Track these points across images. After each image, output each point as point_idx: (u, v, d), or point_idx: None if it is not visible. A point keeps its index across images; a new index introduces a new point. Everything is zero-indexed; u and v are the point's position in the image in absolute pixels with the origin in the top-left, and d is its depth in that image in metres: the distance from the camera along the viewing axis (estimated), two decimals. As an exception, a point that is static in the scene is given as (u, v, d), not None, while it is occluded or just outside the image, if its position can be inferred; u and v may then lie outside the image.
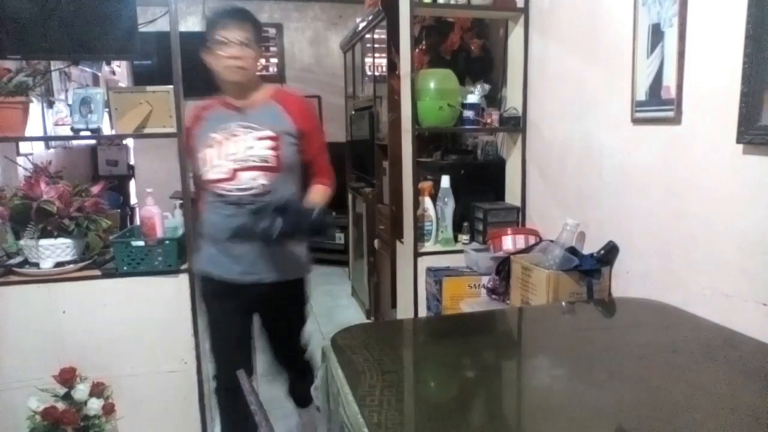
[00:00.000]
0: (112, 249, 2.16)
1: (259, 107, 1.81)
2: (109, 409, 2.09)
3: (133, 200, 5.12)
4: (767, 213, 1.35)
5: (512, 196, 2.63)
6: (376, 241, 3.11)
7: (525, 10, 2.45)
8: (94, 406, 2.04)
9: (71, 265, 2.10)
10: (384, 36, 2.59)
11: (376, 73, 3.08)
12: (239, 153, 1.76)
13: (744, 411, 1.00)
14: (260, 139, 1.77)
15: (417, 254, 2.44)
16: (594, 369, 1.21)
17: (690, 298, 1.56)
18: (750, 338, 1.28)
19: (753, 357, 1.22)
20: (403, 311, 2.56)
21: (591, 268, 1.88)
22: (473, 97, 2.50)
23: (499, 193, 2.70)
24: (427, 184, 2.53)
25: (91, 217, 2.12)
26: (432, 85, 2.43)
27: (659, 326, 1.45)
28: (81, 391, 2.04)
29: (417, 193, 2.47)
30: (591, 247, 2.01)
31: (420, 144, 2.57)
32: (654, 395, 1.06)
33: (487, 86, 2.57)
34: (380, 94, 2.88)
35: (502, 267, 2.19)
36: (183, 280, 2.17)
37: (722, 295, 1.47)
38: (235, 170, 1.77)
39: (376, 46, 3.06)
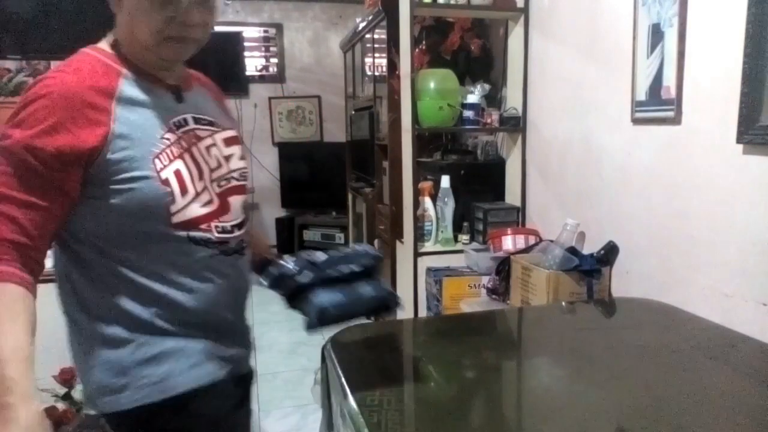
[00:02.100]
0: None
1: (193, 88, 1.11)
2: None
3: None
4: (767, 213, 1.35)
5: (512, 196, 2.63)
6: (376, 241, 3.11)
7: (525, 10, 2.45)
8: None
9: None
10: (384, 36, 2.58)
11: (376, 73, 3.09)
12: (221, 168, 1.07)
13: (744, 411, 1.00)
14: (227, 142, 1.10)
15: (417, 254, 2.44)
16: (594, 369, 1.21)
17: (690, 298, 1.56)
18: (750, 338, 1.29)
19: (753, 357, 1.22)
20: (403, 311, 2.56)
21: (591, 268, 1.88)
22: (473, 97, 2.50)
23: (499, 193, 2.70)
24: (427, 184, 2.53)
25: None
26: (432, 85, 2.43)
27: (659, 326, 1.45)
28: (81, 391, 2.04)
29: (417, 193, 2.47)
30: (591, 247, 2.01)
31: (420, 144, 2.57)
32: (654, 395, 1.06)
33: (487, 86, 2.57)
34: (380, 94, 2.88)
35: (502, 267, 2.19)
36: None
37: (722, 295, 1.47)
38: (222, 196, 1.05)
39: (376, 46, 3.06)
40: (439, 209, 2.51)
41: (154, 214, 0.95)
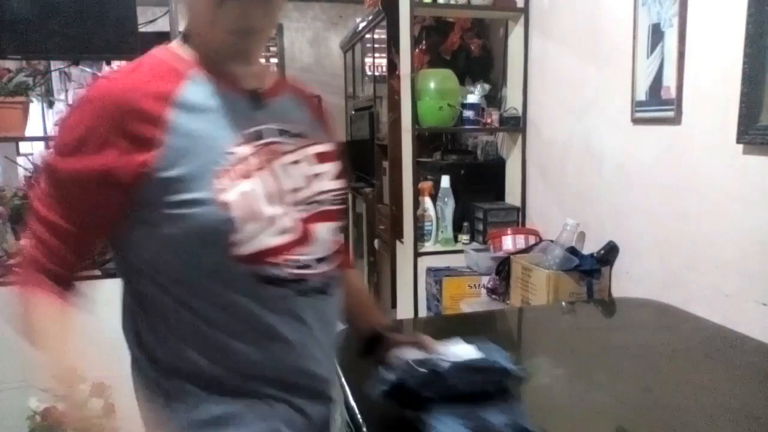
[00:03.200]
0: (112, 249, 2.16)
1: (280, 96, 0.91)
2: (109, 410, 2.08)
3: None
4: (767, 212, 1.36)
5: (512, 196, 2.63)
6: (376, 241, 3.11)
7: (525, 10, 2.45)
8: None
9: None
10: (384, 36, 2.59)
11: (376, 73, 3.09)
12: (305, 188, 0.87)
13: (744, 411, 1.00)
14: (319, 158, 0.90)
15: (417, 254, 2.44)
16: (594, 369, 1.21)
17: (690, 298, 1.56)
18: (750, 338, 1.28)
19: (753, 357, 1.22)
20: (403, 311, 2.56)
21: (591, 268, 1.88)
22: (473, 97, 2.50)
23: (499, 193, 2.70)
24: (427, 184, 2.53)
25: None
26: (432, 85, 2.43)
27: (659, 326, 1.45)
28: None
29: (417, 193, 2.47)
30: (591, 247, 2.01)
31: (420, 144, 2.57)
32: (654, 395, 1.06)
33: (487, 86, 2.57)
34: (380, 94, 2.88)
35: (502, 267, 2.19)
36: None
37: (722, 295, 1.47)
38: (305, 222, 0.85)
39: (376, 46, 3.07)
40: (439, 209, 2.51)
41: (212, 245, 0.77)
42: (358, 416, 0.96)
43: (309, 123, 0.92)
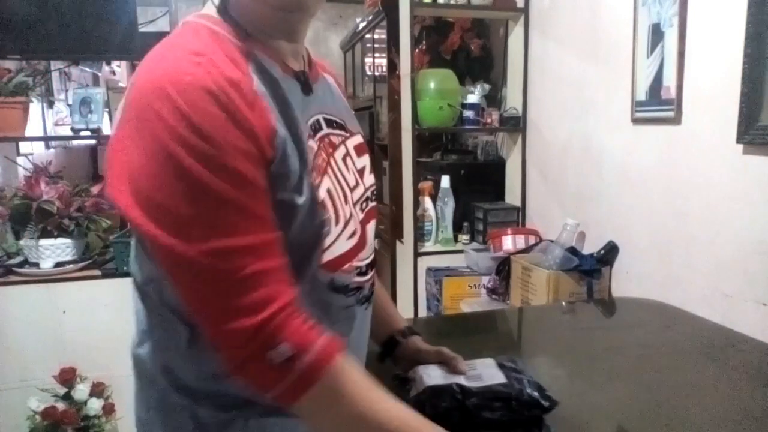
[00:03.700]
0: (112, 249, 2.16)
1: (320, 79, 0.81)
2: (109, 409, 2.08)
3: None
4: (767, 212, 1.36)
5: (512, 196, 2.63)
6: (376, 241, 3.11)
7: (525, 10, 2.45)
8: (94, 406, 2.04)
9: (71, 265, 2.10)
10: (384, 36, 2.58)
11: (376, 73, 3.09)
12: (359, 186, 0.79)
13: (744, 411, 1.00)
14: (359, 151, 0.82)
15: (417, 254, 2.44)
16: (594, 369, 1.21)
17: (690, 298, 1.56)
18: (750, 338, 1.28)
19: (753, 357, 1.22)
20: (403, 311, 2.56)
21: (591, 268, 1.88)
22: (473, 97, 2.50)
23: (499, 193, 2.70)
24: (427, 184, 2.53)
25: (91, 217, 2.11)
26: (432, 85, 2.43)
27: (659, 326, 1.45)
28: (81, 391, 2.04)
29: (417, 193, 2.47)
30: (591, 247, 2.01)
31: (420, 144, 2.57)
32: (654, 395, 1.06)
33: (487, 86, 2.57)
34: (380, 94, 2.88)
35: (502, 267, 2.19)
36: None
37: (722, 295, 1.47)
38: (362, 224, 0.78)
39: (376, 46, 3.06)
40: (439, 209, 2.51)
41: (308, 253, 0.66)
42: None
43: (344, 108, 0.84)
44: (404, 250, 2.51)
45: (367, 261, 0.78)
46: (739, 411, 1.00)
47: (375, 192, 0.84)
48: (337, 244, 0.69)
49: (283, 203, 0.63)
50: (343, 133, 0.78)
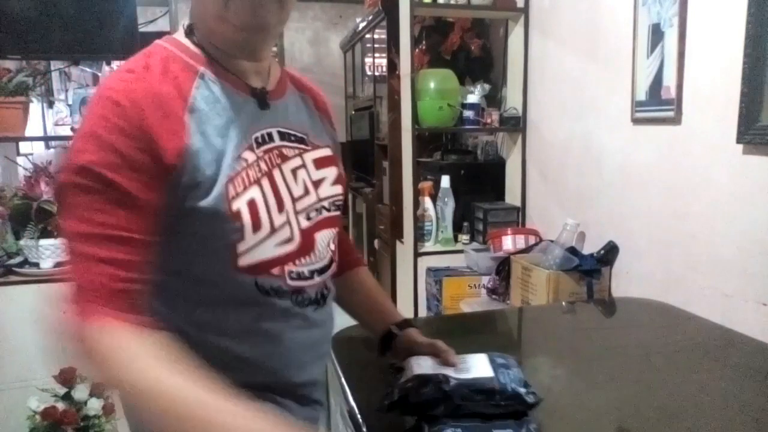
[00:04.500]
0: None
1: (286, 95, 0.88)
2: (109, 410, 2.08)
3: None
4: (767, 212, 1.36)
5: (512, 196, 2.63)
6: (376, 241, 3.11)
7: (525, 10, 2.45)
8: (94, 406, 2.04)
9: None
10: (384, 36, 2.58)
11: (376, 73, 3.09)
12: (308, 196, 0.84)
13: (744, 411, 1.00)
14: (319, 164, 0.87)
15: (417, 254, 2.44)
16: (594, 369, 1.21)
17: (690, 298, 1.56)
18: (750, 338, 1.28)
19: (753, 357, 1.22)
20: (403, 311, 2.56)
21: (591, 268, 1.88)
22: (473, 97, 2.50)
23: (499, 193, 2.70)
24: (427, 184, 2.53)
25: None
26: (432, 85, 2.43)
27: (659, 326, 1.45)
28: (81, 391, 2.04)
29: (417, 193, 2.47)
30: (591, 247, 2.01)
31: (420, 144, 2.57)
32: (654, 395, 1.06)
33: (487, 86, 2.57)
34: (380, 94, 2.89)
35: (502, 267, 2.19)
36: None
37: (722, 295, 1.48)
38: (308, 232, 0.83)
39: (376, 46, 3.07)
40: (439, 209, 2.51)
41: (217, 255, 0.74)
42: (362, 425, 0.96)
43: (311, 124, 0.90)
44: (404, 250, 2.51)
45: (315, 266, 0.83)
46: (738, 410, 1.00)
47: (338, 202, 0.89)
48: (258, 249, 0.76)
49: (193, 210, 0.71)
50: (301, 146, 0.85)
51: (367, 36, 3.18)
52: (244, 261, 0.75)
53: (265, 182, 0.77)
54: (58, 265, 2.07)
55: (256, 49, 0.80)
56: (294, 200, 0.81)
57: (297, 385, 0.85)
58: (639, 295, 1.72)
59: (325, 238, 0.86)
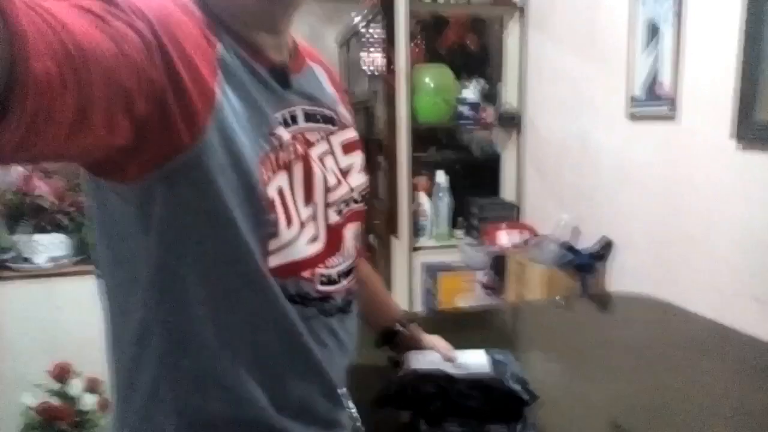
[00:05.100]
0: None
1: (305, 69, 0.74)
2: (103, 405, 2.08)
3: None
4: (762, 209, 1.36)
5: (508, 192, 2.63)
6: (370, 236, 3.11)
7: (522, 7, 2.45)
8: (89, 401, 2.04)
9: (65, 260, 2.09)
10: (380, 32, 2.58)
11: (372, 69, 3.08)
12: (339, 187, 0.72)
13: (737, 406, 1.01)
14: (347, 148, 0.76)
15: (412, 250, 2.45)
16: (588, 364, 1.21)
17: (684, 294, 1.56)
18: (743, 334, 1.29)
19: (747, 352, 1.23)
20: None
21: (585, 263, 1.89)
22: (469, 93, 2.50)
23: (494, 188, 2.70)
24: (422, 180, 2.53)
25: (86, 213, 2.11)
26: (428, 80, 2.43)
27: (653, 321, 1.46)
28: (76, 386, 2.03)
29: (412, 189, 2.47)
30: (586, 243, 2.01)
31: (416, 140, 2.57)
32: (647, 389, 1.06)
33: (483, 82, 2.58)
34: (376, 90, 2.88)
35: (497, 263, 2.20)
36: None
37: (716, 291, 1.48)
38: (335, 229, 0.71)
39: (372, 41, 3.06)
40: (434, 205, 2.51)
41: (246, 250, 0.60)
42: (356, 419, 0.96)
43: (333, 100, 0.77)
44: (400, 245, 2.51)
45: (340, 268, 0.71)
46: (732, 406, 1.01)
47: (365, 193, 0.78)
48: (289, 247, 0.64)
49: (218, 192, 0.57)
50: (328, 126, 0.73)
51: (364, 31, 3.17)
52: (276, 260, 0.62)
53: (297, 168, 0.65)
54: (52, 260, 2.06)
55: (276, 21, 0.67)
56: (326, 191, 0.69)
57: (319, 410, 0.72)
58: (633, 290, 1.73)
59: (352, 235, 0.75)
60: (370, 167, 0.83)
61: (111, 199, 0.60)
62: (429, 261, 2.45)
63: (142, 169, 0.55)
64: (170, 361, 0.63)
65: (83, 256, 2.14)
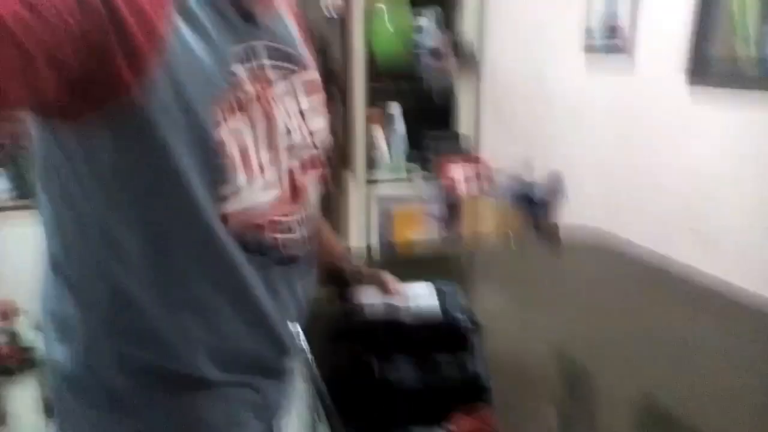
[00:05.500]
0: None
1: (273, 12, 0.69)
2: (53, 342, 2.04)
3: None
4: (706, 144, 1.41)
5: (463, 126, 2.63)
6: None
7: (480, -69, 2.36)
8: (37, 339, 2.00)
9: (4, 196, 1.99)
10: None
11: (331, 11, 2.94)
12: (299, 131, 0.69)
13: (676, 335, 1.07)
14: (309, 89, 0.72)
15: (367, 183, 2.44)
16: (536, 296, 1.25)
17: (629, 226, 1.63)
18: (684, 265, 1.36)
19: (686, 285, 1.29)
20: (354, 241, 2.58)
21: (536, 198, 1.93)
22: (425, 25, 2.43)
23: (450, 122, 2.68)
24: (377, 113, 2.49)
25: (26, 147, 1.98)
26: (383, 12, 2.34)
27: (599, 254, 1.51)
28: (22, 324, 1.98)
29: (368, 122, 2.43)
30: (538, 178, 2.05)
31: (371, 72, 2.50)
32: (591, 320, 1.11)
33: (439, 14, 2.50)
34: (332, 20, 2.76)
35: (451, 197, 2.22)
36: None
37: (659, 222, 1.55)
38: (293, 175, 0.68)
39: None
40: (389, 138, 2.49)
41: (193, 197, 0.57)
42: (307, 352, 0.97)
43: (298, 43, 0.72)
44: (353, 179, 2.50)
45: (298, 217, 0.69)
46: (670, 334, 1.07)
47: (324, 141, 0.74)
48: (245, 194, 0.60)
49: (164, 137, 0.53)
50: (290, 66, 0.68)
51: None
52: (229, 207, 0.59)
53: (255, 109, 0.61)
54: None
55: None
56: (286, 134, 0.66)
57: (263, 362, 0.72)
58: (585, 223, 1.79)
59: (312, 181, 0.72)
60: (328, 101, 0.79)
61: (53, 141, 0.57)
62: (384, 194, 2.45)
63: (84, 109, 0.52)
64: (109, 311, 0.62)
65: (22, 191, 2.04)
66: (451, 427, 0.76)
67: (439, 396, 0.80)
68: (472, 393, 0.81)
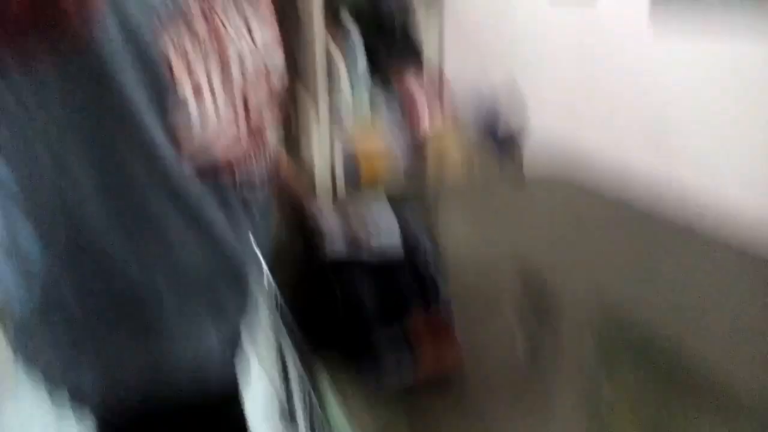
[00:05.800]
0: None
1: None
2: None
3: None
4: (671, 70, 1.41)
5: (428, 49, 2.54)
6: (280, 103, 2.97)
7: None
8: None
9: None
10: None
11: None
12: (247, 48, 0.64)
13: (635, 262, 1.08)
14: (260, 21, 0.68)
15: (330, 122, 2.36)
16: (499, 227, 1.25)
17: (586, 128, 1.69)
18: (645, 187, 1.36)
19: (649, 219, 1.29)
20: (318, 179, 2.53)
21: (502, 133, 1.90)
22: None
23: (412, 52, 2.58)
24: (337, 39, 2.35)
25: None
26: None
27: (566, 190, 1.49)
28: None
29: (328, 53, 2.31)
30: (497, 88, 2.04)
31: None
32: (557, 252, 1.11)
33: None
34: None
35: (415, 133, 2.15)
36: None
37: (615, 127, 1.64)
38: (245, 94, 0.65)
39: None
40: (350, 71, 2.38)
41: (143, 126, 0.55)
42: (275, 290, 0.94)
43: None
44: (316, 118, 2.41)
45: (256, 141, 0.67)
46: (631, 262, 1.08)
47: (274, 57, 0.70)
48: (199, 117, 0.58)
49: (110, 73, 0.51)
50: None
51: None
52: (183, 133, 0.57)
53: (200, 25, 0.57)
54: None
55: None
56: (232, 53, 0.61)
57: (231, 281, 0.71)
58: (547, 142, 1.80)
59: (266, 102, 0.68)
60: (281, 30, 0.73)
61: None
62: (346, 132, 2.37)
63: (31, 50, 0.48)
64: (67, 242, 0.59)
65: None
66: (410, 326, 0.76)
67: (396, 300, 0.79)
68: (428, 295, 0.80)
